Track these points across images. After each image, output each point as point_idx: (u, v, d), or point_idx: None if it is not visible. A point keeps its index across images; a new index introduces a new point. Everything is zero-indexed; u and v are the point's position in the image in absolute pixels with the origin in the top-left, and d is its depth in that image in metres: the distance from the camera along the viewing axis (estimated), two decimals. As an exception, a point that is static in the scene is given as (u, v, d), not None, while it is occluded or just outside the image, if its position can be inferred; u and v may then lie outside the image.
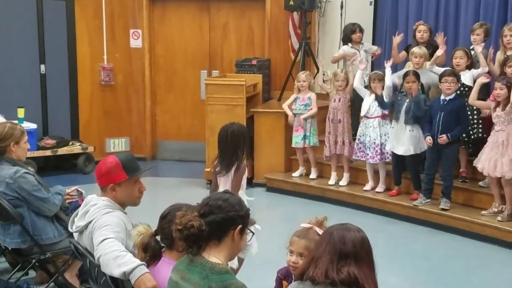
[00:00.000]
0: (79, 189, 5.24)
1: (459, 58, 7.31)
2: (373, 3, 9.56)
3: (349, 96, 8.12)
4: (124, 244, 3.53)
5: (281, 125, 8.82)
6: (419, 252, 6.76)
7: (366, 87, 8.02)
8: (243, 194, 4.96)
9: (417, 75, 7.38)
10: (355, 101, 8.21)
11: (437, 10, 8.77)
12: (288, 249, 3.49)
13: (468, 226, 6.98)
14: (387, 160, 7.86)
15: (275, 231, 6.99)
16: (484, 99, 7.32)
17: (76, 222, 3.83)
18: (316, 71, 9.45)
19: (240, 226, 2.96)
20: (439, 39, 7.63)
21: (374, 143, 7.80)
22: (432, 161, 7.27)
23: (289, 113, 8.49)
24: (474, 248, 6.75)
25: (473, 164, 7.04)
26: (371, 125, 7.84)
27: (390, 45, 8.89)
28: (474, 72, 7.29)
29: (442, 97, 7.12)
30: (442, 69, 7.35)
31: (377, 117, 7.80)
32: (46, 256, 4.87)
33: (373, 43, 9.16)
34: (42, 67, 9.54)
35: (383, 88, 7.71)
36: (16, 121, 6.38)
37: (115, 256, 3.37)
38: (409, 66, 7.89)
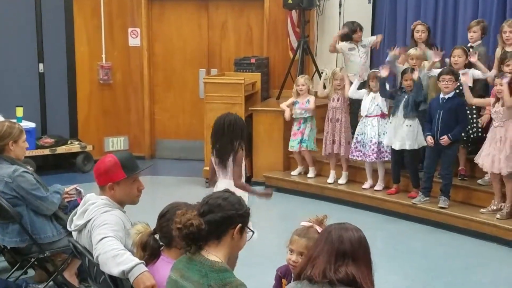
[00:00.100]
0: (77, 188, 5.23)
1: (457, 57, 7.30)
2: (371, 1, 9.56)
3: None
4: (123, 242, 3.53)
5: (280, 123, 8.82)
6: (418, 250, 6.76)
7: (364, 83, 8.02)
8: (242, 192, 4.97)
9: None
10: (355, 100, 8.20)
11: (435, 7, 8.77)
12: (288, 248, 3.49)
13: (467, 224, 6.99)
14: (385, 159, 7.85)
15: (274, 230, 7.02)
16: (484, 97, 7.34)
17: (75, 221, 3.83)
18: (314, 69, 9.45)
19: (239, 225, 2.96)
20: (435, 52, 7.55)
21: (371, 141, 7.80)
22: (432, 160, 7.26)
23: (286, 109, 8.49)
24: (473, 246, 6.75)
25: (474, 161, 7.03)
26: (369, 124, 7.84)
27: (389, 43, 8.91)
28: (474, 72, 7.28)
29: (441, 95, 7.12)
30: (439, 70, 7.35)
31: (377, 115, 7.81)
32: (45, 255, 4.87)
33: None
34: (41, 66, 9.53)
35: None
36: (14, 120, 6.38)
37: (113, 254, 3.37)
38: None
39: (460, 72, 7.15)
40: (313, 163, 8.61)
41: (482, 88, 7.45)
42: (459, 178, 7.55)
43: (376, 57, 9.15)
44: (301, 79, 8.46)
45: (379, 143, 7.78)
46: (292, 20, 9.65)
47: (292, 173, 8.78)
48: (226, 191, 3.13)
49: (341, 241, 2.75)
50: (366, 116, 7.87)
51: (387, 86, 7.69)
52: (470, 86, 7.22)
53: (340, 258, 2.72)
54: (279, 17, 9.89)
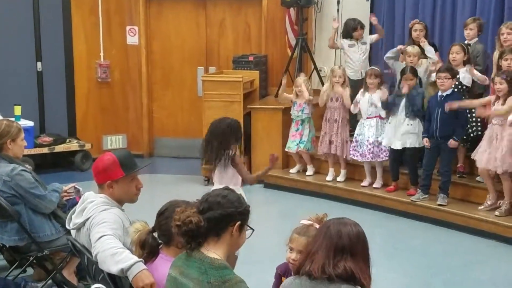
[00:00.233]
0: (76, 186, 5.23)
1: (455, 53, 7.30)
2: (369, -2, 9.56)
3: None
4: (121, 241, 3.53)
5: (278, 121, 8.82)
6: (417, 248, 6.76)
7: (362, 80, 8.01)
8: (239, 189, 4.98)
9: (414, 72, 7.39)
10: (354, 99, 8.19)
11: (433, 5, 8.75)
12: (288, 246, 3.49)
13: (465, 221, 6.99)
14: (381, 159, 7.83)
15: (273, 228, 7.02)
16: (482, 95, 7.34)
17: (74, 219, 3.82)
18: (312, 67, 9.44)
19: (238, 223, 2.96)
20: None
21: (368, 140, 7.80)
22: (431, 157, 7.26)
23: (289, 95, 8.51)
24: (472, 243, 6.76)
25: (471, 157, 7.04)
26: (368, 124, 7.85)
27: (387, 40, 8.91)
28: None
29: (439, 93, 7.12)
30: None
31: (375, 117, 7.80)
32: (44, 253, 4.86)
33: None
34: (39, 64, 9.51)
35: (378, 85, 7.71)
36: (12, 119, 6.37)
37: (112, 253, 3.36)
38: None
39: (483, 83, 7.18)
40: (311, 161, 8.61)
41: (480, 86, 7.44)
42: (457, 176, 7.55)
43: (374, 55, 9.14)
44: (299, 80, 8.44)
45: (376, 143, 7.77)
46: (290, 18, 9.65)
47: (291, 171, 8.78)
48: (226, 188, 3.13)
49: (340, 236, 2.75)
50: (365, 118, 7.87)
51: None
52: (468, 86, 7.23)
53: (339, 253, 2.73)
54: (277, 14, 9.88)
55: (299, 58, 9.26)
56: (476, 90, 7.43)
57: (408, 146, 7.44)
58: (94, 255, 3.47)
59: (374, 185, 8.00)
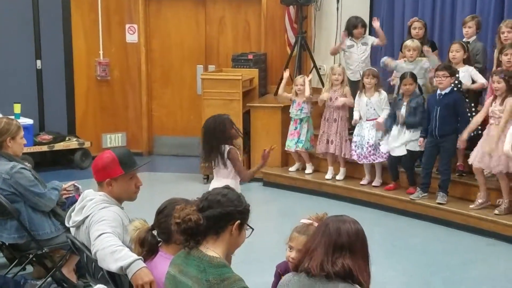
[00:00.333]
0: (75, 184, 5.23)
1: (455, 51, 7.29)
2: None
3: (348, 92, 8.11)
4: (121, 239, 3.54)
5: (277, 119, 8.82)
6: (416, 246, 6.76)
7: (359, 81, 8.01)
8: (237, 185, 5.01)
9: (414, 77, 7.37)
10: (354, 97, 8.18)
11: (433, 3, 8.76)
12: (288, 245, 3.50)
13: (465, 219, 6.99)
14: (381, 160, 7.83)
15: (272, 226, 7.02)
16: (481, 93, 7.35)
17: (73, 217, 3.83)
18: (312, 65, 9.44)
19: (238, 222, 2.96)
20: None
21: (368, 143, 7.79)
22: (430, 155, 7.26)
23: (288, 94, 8.51)
24: (471, 242, 6.76)
25: (469, 162, 7.03)
26: (367, 126, 7.84)
27: (387, 38, 8.88)
28: (472, 71, 7.26)
29: (438, 91, 7.12)
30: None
31: (374, 119, 7.80)
32: (43, 251, 4.87)
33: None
34: (38, 62, 9.51)
35: (376, 86, 7.70)
36: (12, 117, 6.37)
37: (112, 251, 3.37)
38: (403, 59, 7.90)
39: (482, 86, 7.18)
40: (310, 159, 8.61)
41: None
42: (457, 174, 7.55)
43: (374, 56, 9.12)
44: (300, 79, 8.43)
45: (375, 146, 7.76)
46: (290, 16, 9.64)
47: (290, 169, 8.78)
48: (226, 187, 3.13)
49: (339, 234, 2.75)
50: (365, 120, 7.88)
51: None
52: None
53: (338, 250, 2.73)
54: (276, 12, 9.88)
55: (298, 56, 9.26)
56: (475, 90, 7.41)
57: (409, 148, 7.44)
58: (93, 253, 3.47)
59: (373, 184, 8.00)
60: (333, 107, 8.13)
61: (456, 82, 7.16)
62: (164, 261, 3.25)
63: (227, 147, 5.02)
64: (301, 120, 8.43)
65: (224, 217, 2.93)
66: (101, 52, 10.00)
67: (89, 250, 3.56)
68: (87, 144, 9.56)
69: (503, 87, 6.58)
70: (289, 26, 9.68)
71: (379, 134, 7.75)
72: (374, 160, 7.84)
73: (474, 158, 6.83)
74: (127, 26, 10.20)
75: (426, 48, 7.52)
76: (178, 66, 10.44)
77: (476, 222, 6.89)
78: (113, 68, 10.15)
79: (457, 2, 8.48)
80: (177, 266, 2.96)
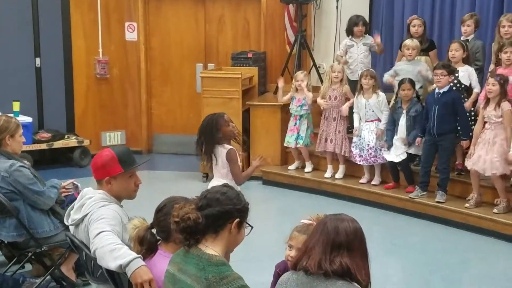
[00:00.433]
0: (75, 182, 5.23)
1: (454, 51, 7.28)
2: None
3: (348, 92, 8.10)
4: (120, 237, 3.53)
5: (277, 118, 8.82)
6: (416, 245, 6.76)
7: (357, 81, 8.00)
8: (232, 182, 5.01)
9: (412, 83, 7.37)
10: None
11: (433, 2, 8.75)
12: (288, 244, 3.50)
13: (464, 218, 6.99)
14: (381, 161, 7.83)
15: (271, 224, 7.03)
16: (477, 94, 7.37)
17: (72, 215, 3.82)
18: (311, 64, 9.44)
19: (237, 220, 2.96)
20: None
21: (368, 145, 7.79)
22: (429, 154, 7.26)
23: (286, 96, 8.50)
24: (470, 241, 6.76)
25: (465, 165, 7.05)
26: (367, 128, 7.83)
27: (387, 37, 8.89)
28: (470, 72, 7.26)
29: (436, 90, 7.12)
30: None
31: (374, 120, 7.80)
32: (42, 249, 4.87)
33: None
34: (37, 60, 9.50)
35: (374, 87, 7.69)
36: (11, 115, 6.36)
37: (111, 249, 3.36)
38: (402, 58, 7.88)
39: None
40: (310, 157, 8.61)
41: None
42: (456, 173, 7.55)
43: (373, 57, 9.11)
44: (300, 75, 8.42)
45: (375, 148, 7.76)
46: (289, 14, 9.64)
47: (289, 167, 8.78)
48: (225, 185, 3.13)
49: (337, 232, 2.75)
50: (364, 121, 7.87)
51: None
52: (466, 85, 7.23)
53: (336, 249, 2.72)
54: (276, 11, 9.87)
55: (298, 55, 9.26)
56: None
57: (410, 151, 7.45)
58: (92, 251, 3.47)
59: (372, 182, 8.00)
60: (333, 106, 8.12)
61: (456, 81, 7.17)
62: (163, 260, 3.25)
63: (227, 147, 5.01)
64: (301, 116, 8.42)
65: (223, 215, 2.93)
66: (100, 50, 9.99)
67: (88, 248, 3.56)
68: (86, 142, 9.56)
69: (496, 90, 6.58)
70: (289, 25, 9.67)
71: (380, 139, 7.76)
72: (374, 163, 7.85)
73: (470, 161, 6.84)
74: (126, 24, 10.19)
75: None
76: (178, 64, 10.44)
77: (475, 220, 6.89)
78: (112, 66, 10.14)
79: (457, 1, 8.47)
80: (176, 264, 2.96)
